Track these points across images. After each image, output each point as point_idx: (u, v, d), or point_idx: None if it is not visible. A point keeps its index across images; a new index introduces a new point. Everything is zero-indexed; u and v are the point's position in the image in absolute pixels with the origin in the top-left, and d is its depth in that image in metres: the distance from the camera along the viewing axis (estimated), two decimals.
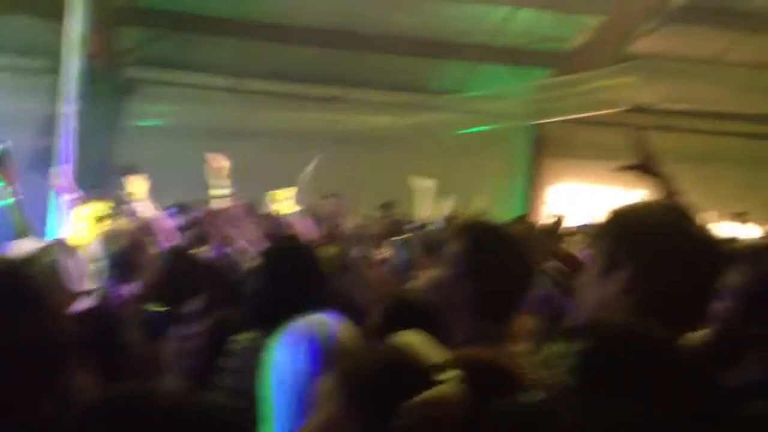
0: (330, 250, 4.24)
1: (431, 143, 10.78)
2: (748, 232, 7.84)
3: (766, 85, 9.64)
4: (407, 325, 2.43)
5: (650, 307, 1.50)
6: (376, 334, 2.58)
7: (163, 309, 3.45)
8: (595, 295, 1.65)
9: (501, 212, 10.08)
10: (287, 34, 10.31)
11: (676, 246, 1.60)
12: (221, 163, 3.90)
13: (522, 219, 9.00)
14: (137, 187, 4.29)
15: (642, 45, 9.88)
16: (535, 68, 11.01)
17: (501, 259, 2.07)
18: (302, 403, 1.77)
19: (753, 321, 1.78)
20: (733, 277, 1.81)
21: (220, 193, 3.87)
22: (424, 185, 6.61)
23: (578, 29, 10.27)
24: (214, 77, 10.95)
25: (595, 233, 1.77)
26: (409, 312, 2.56)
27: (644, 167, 2.60)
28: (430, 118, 10.60)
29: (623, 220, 1.70)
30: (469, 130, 10.86)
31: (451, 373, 1.46)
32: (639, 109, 9.02)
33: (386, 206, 8.39)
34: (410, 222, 6.83)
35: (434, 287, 2.24)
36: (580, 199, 11.21)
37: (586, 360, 1.17)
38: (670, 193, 2.59)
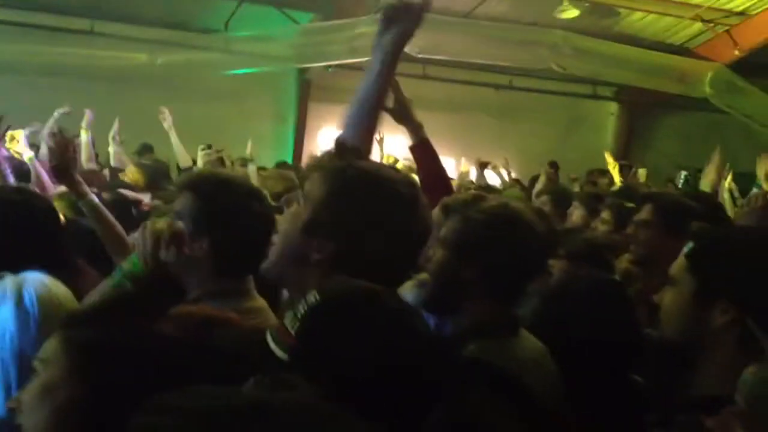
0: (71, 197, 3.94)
1: (196, 85, 10.39)
2: (491, 177, 8.46)
3: (514, 39, 10.35)
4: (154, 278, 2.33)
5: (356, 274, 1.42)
6: None
7: None
8: (294, 249, 1.55)
9: (270, 156, 10.03)
10: None
11: (378, 215, 1.51)
12: None
13: (284, 164, 9.01)
14: None
15: None
16: (301, 12, 10.93)
17: (235, 213, 1.99)
18: (19, 365, 1.65)
19: (464, 269, 1.88)
20: (446, 228, 1.90)
21: None
22: (169, 125, 6.30)
23: None
24: None
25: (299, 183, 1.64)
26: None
27: (397, 112, 2.67)
28: (192, 58, 10.16)
29: (327, 179, 1.55)
30: (234, 72, 10.58)
31: None
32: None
33: (142, 150, 7.93)
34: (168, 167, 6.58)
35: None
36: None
37: (310, 314, 1.18)
38: (421, 139, 2.70)
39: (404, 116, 2.69)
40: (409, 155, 2.82)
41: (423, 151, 2.71)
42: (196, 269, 1.98)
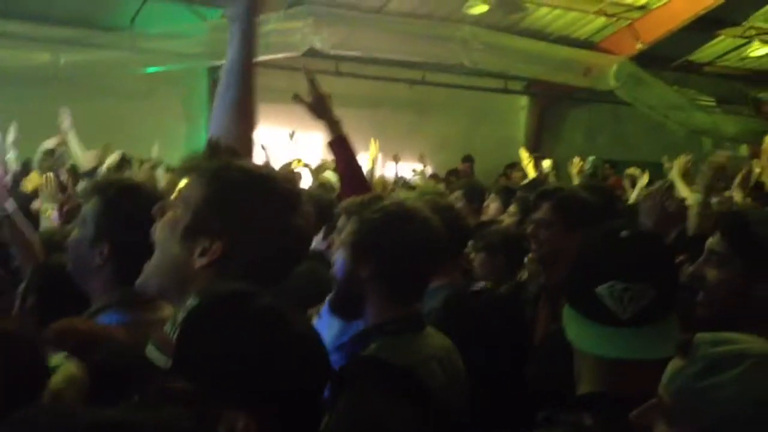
0: None
1: (101, 84, 10.06)
2: (404, 171, 8.56)
3: (424, 35, 10.45)
4: (56, 290, 2.24)
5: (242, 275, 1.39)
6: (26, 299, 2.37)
7: None
8: (174, 258, 1.48)
9: (180, 157, 9.80)
10: None
11: (262, 214, 1.46)
12: None
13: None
14: None
15: None
16: (210, 8, 10.75)
17: (138, 219, 1.80)
18: None
19: (361, 269, 1.88)
20: (345, 230, 1.90)
21: None
22: (67, 127, 6.05)
23: None
24: None
25: (183, 185, 1.53)
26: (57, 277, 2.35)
27: (315, 108, 2.67)
28: (96, 56, 9.84)
29: (219, 180, 1.48)
30: (142, 71, 10.31)
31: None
32: (311, 54, 9.25)
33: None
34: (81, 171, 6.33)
35: (69, 249, 2.05)
36: (257, 142, 11.25)
37: (186, 318, 1.17)
38: (338, 135, 2.70)
39: (322, 111, 2.69)
40: (327, 154, 2.81)
41: (341, 146, 2.72)
42: (97, 277, 1.94)
